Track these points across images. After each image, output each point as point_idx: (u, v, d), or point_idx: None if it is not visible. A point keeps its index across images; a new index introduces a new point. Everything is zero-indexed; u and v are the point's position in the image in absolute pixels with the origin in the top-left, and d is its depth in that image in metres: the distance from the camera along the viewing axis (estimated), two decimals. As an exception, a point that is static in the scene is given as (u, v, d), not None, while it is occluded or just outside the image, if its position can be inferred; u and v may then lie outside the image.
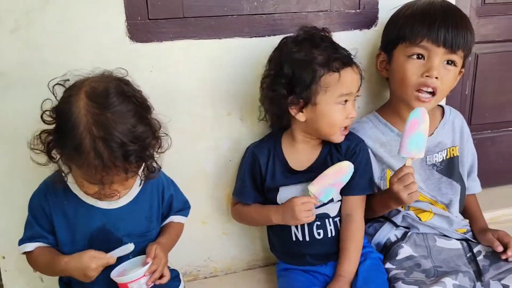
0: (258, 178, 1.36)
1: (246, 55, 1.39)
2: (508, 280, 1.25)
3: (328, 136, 1.31)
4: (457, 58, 1.32)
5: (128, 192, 1.17)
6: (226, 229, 1.54)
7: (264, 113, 1.36)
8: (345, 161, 1.26)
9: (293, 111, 1.27)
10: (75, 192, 1.15)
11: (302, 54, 1.24)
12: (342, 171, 1.25)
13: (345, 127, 1.31)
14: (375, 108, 1.54)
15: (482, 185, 1.59)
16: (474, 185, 1.55)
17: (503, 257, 1.32)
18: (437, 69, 1.29)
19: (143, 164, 1.08)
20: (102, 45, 1.22)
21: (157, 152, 1.11)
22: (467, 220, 1.49)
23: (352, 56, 1.29)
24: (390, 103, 1.48)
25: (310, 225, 1.31)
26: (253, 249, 1.59)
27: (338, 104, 1.26)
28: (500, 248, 1.33)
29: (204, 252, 1.55)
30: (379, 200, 1.37)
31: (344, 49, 1.29)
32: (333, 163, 1.31)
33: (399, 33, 1.34)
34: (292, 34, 1.31)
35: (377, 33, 1.50)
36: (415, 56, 1.31)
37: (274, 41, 1.37)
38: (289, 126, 1.35)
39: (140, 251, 1.19)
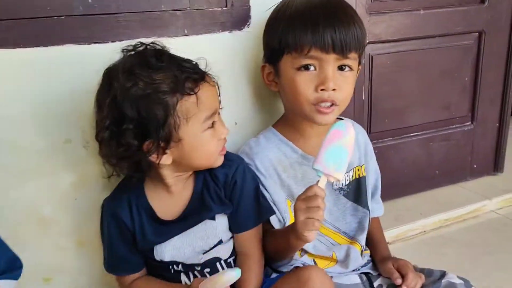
0: (129, 238, 1.08)
1: (84, 66, 1.10)
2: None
3: (207, 167, 1.08)
4: (351, 61, 1.11)
5: None
6: (79, 284, 1.22)
7: (112, 169, 1.05)
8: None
9: (154, 157, 0.99)
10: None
11: (141, 86, 0.94)
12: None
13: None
14: (265, 121, 1.32)
15: (386, 197, 1.42)
16: (377, 208, 1.36)
17: None
18: (332, 79, 1.07)
19: None
20: None
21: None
22: (368, 251, 1.29)
23: (201, 69, 1.03)
24: (287, 118, 1.24)
25: (201, 273, 1.10)
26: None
27: (206, 129, 1.01)
28: (399, 281, 1.13)
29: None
30: (279, 235, 1.13)
31: (188, 60, 1.02)
32: (211, 197, 1.08)
33: (281, 42, 1.10)
34: (145, 40, 1.03)
35: (251, 35, 1.26)
36: (304, 68, 1.09)
37: (120, 47, 1.10)
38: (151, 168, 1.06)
39: None
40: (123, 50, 1.00)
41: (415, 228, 1.73)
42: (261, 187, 1.16)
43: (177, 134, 0.97)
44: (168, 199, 1.09)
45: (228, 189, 1.10)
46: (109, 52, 1.08)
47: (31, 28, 1.04)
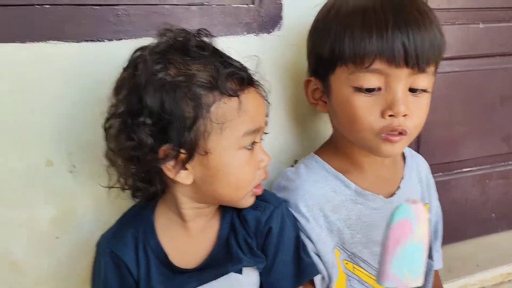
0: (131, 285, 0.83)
1: (72, 70, 0.87)
2: None
3: (232, 202, 0.83)
4: (428, 79, 0.83)
5: None
6: None
7: (117, 177, 0.80)
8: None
9: (169, 170, 0.75)
10: None
11: (172, 72, 0.72)
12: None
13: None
14: (303, 147, 1.06)
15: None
16: (436, 258, 1.08)
17: None
18: (403, 102, 0.80)
19: None
20: None
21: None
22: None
23: (250, 72, 0.81)
24: (336, 143, 0.96)
25: None
26: None
27: (243, 148, 0.77)
28: None
29: None
30: None
31: (236, 60, 0.80)
32: (239, 246, 0.83)
33: (333, 50, 0.83)
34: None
35: (282, 40, 1.03)
36: (364, 91, 0.81)
37: (119, 48, 0.87)
38: (164, 192, 0.83)
39: None
40: (162, 32, 0.78)
41: (473, 283, 1.44)
42: (301, 234, 0.89)
43: (205, 144, 0.73)
44: (186, 240, 0.84)
45: (260, 238, 0.84)
46: (103, 54, 0.87)
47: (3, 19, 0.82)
